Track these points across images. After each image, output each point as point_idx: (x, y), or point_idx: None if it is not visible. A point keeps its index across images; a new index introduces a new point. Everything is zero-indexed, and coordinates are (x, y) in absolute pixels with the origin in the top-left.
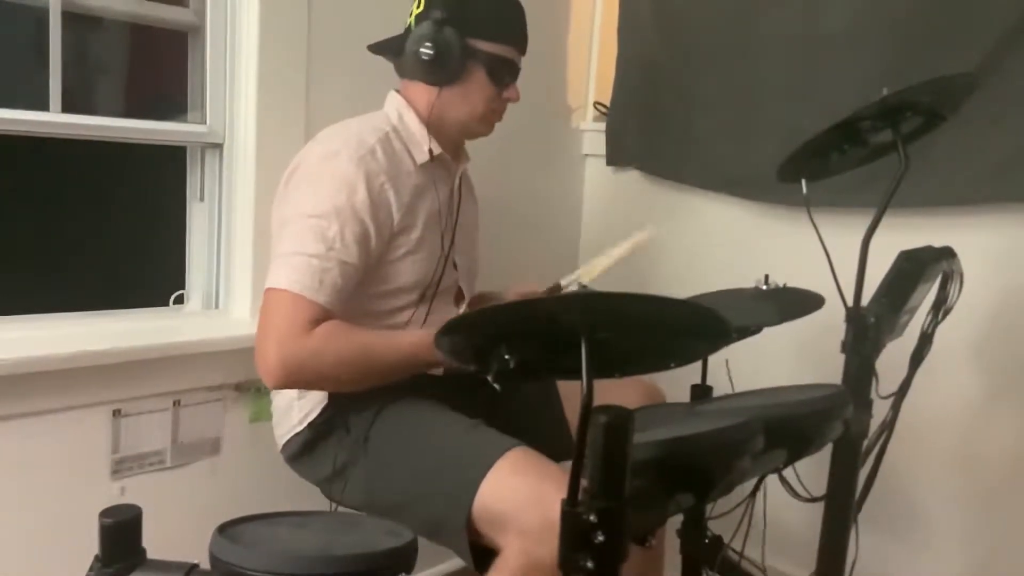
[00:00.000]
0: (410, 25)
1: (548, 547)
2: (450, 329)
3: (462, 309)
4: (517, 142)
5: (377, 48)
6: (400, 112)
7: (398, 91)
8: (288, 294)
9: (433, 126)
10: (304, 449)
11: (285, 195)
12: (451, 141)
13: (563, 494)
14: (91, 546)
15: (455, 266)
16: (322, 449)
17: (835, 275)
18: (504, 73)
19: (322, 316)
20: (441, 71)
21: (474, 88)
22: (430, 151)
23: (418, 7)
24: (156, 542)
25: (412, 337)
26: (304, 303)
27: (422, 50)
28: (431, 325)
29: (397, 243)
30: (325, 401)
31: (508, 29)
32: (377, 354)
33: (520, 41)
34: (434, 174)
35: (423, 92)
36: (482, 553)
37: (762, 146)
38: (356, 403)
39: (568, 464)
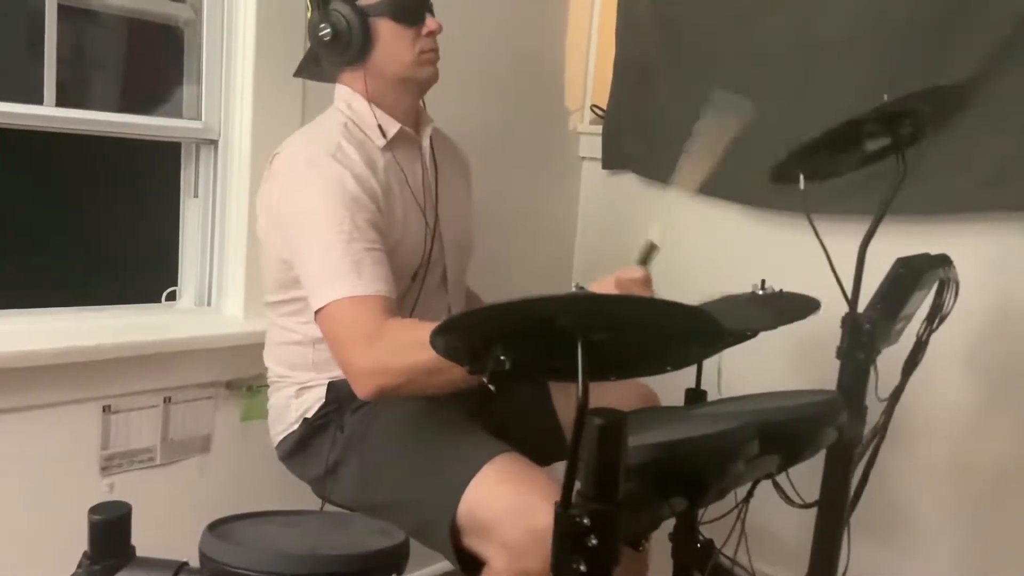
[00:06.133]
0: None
1: (533, 560)
2: (445, 329)
3: (448, 290)
4: (514, 144)
5: (300, 72)
6: (348, 101)
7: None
8: (339, 303)
9: (383, 101)
10: (298, 446)
11: (279, 213)
12: (405, 108)
13: (548, 505)
14: (80, 542)
15: (442, 241)
16: (316, 447)
17: (837, 276)
18: (409, 12)
19: (380, 304)
20: (350, 43)
21: (390, 41)
22: (381, 131)
23: (308, 11)
24: (145, 539)
25: None
26: (357, 301)
27: (320, 34)
28: (422, 305)
29: (387, 233)
30: (323, 400)
31: None
32: None
33: None
34: (402, 152)
35: (355, 77)
36: (471, 557)
37: (759, 151)
38: (352, 402)
39: (556, 469)
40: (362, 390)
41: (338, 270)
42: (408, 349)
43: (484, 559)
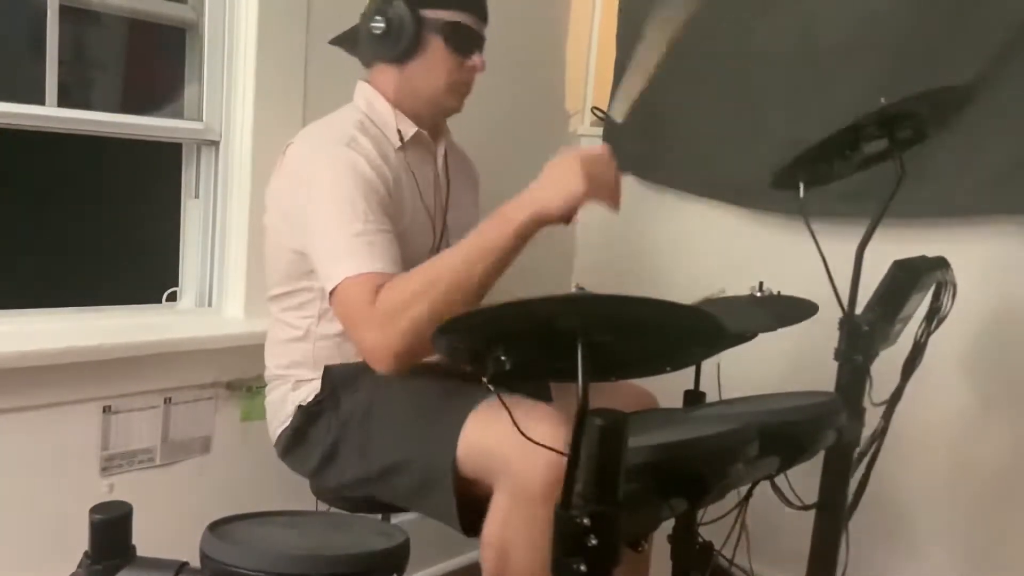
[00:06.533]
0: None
1: (533, 470)
2: (447, 329)
3: None
4: (514, 146)
5: (337, 40)
6: (369, 100)
7: (367, 81)
8: (351, 280)
9: (404, 107)
10: (296, 437)
11: (291, 202)
12: (426, 120)
13: (544, 423)
14: (80, 542)
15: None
16: (314, 433)
17: (832, 281)
18: (463, 41)
19: (383, 281)
20: (396, 45)
21: (435, 59)
22: (399, 134)
23: None
24: (144, 540)
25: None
26: (368, 277)
27: (373, 25)
28: None
29: (393, 216)
30: (318, 388)
31: None
32: (449, 253)
33: (474, 6)
34: (415, 156)
35: (388, 74)
36: (474, 517)
37: (759, 154)
38: (349, 385)
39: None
40: (381, 363)
41: (352, 251)
42: (404, 309)
43: (485, 502)
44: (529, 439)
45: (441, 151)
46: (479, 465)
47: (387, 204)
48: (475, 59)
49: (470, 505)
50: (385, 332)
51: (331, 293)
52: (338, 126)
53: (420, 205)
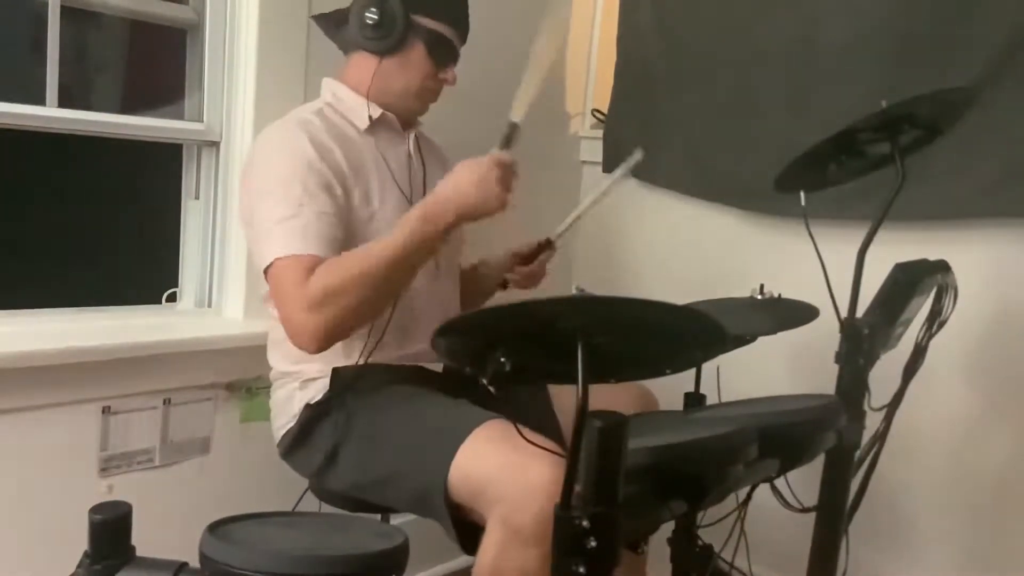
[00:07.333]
0: None
1: (528, 513)
2: (447, 330)
3: (441, 271)
4: (515, 148)
5: (320, 18)
6: (334, 91)
7: (334, 77)
8: (281, 261)
9: (376, 97)
10: (300, 436)
11: (248, 187)
12: (395, 113)
13: (541, 462)
14: (79, 542)
15: None
16: (318, 433)
17: (830, 286)
18: (443, 52)
19: (313, 263)
20: (384, 38)
21: (413, 61)
22: (369, 116)
23: None
24: (144, 540)
25: (409, 215)
26: (299, 259)
27: (367, 15)
28: (413, 283)
29: (357, 206)
30: (327, 388)
31: (450, 9)
32: (382, 247)
33: (460, 23)
34: (383, 139)
35: (364, 63)
36: (471, 533)
37: (760, 157)
38: (355, 389)
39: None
40: (308, 343)
41: (286, 232)
42: (333, 295)
43: (482, 524)
44: (529, 440)
45: (411, 136)
46: (472, 494)
47: (332, 184)
48: (449, 72)
49: (465, 525)
50: (313, 315)
51: (265, 272)
52: (298, 113)
53: (392, 185)
